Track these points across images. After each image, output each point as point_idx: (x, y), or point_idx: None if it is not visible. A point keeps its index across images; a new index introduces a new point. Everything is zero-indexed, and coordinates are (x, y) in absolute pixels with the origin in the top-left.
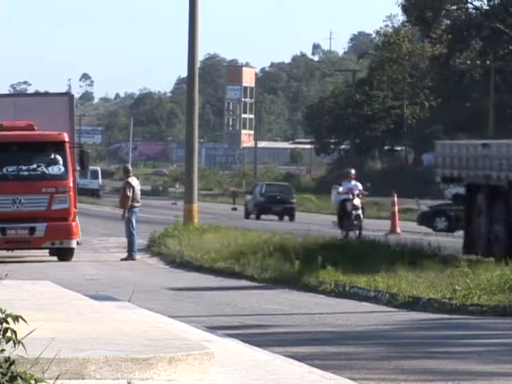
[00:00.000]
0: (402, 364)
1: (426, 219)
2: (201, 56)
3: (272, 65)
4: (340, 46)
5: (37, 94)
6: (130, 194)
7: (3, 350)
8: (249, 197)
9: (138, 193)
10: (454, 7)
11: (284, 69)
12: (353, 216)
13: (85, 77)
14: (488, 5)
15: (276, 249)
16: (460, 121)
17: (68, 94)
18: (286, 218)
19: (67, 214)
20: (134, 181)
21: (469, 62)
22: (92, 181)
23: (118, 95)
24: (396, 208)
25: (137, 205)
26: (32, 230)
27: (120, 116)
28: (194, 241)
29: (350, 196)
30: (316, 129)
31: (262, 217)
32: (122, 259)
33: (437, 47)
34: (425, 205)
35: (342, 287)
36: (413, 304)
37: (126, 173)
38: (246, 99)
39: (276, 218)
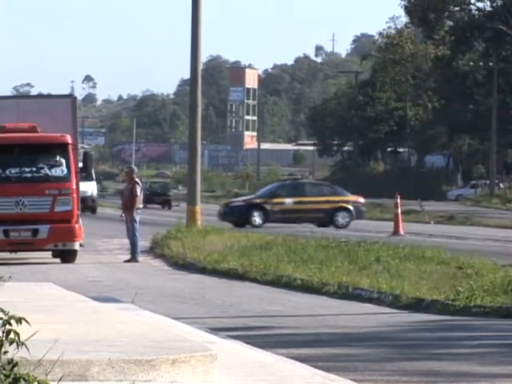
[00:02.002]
0: (404, 365)
1: (241, 213)
2: (203, 58)
3: (275, 66)
4: (343, 48)
5: (40, 95)
6: (139, 194)
7: (6, 352)
8: None
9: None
10: (457, 8)
11: (287, 70)
12: None
13: (88, 79)
14: (491, 6)
15: None
16: (463, 122)
17: (71, 96)
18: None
19: (70, 216)
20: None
21: (472, 63)
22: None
23: (120, 97)
24: (399, 209)
25: (140, 206)
26: (35, 232)
27: (123, 118)
28: (196, 242)
29: None
30: (319, 130)
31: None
32: (125, 261)
33: (440, 49)
34: (428, 206)
35: (345, 288)
36: (416, 305)
37: (133, 174)
38: (249, 101)
39: (159, 206)
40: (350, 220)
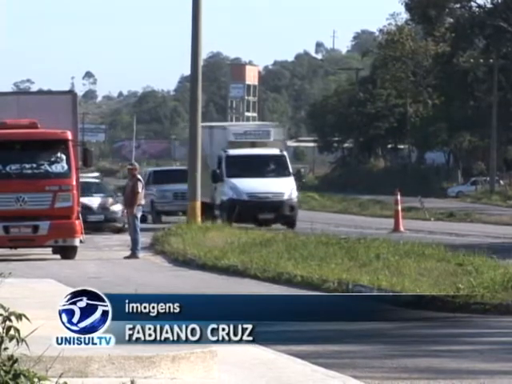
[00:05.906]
0: (405, 362)
1: None
2: (204, 54)
3: (275, 63)
4: (343, 45)
5: (40, 92)
6: (141, 190)
7: (6, 348)
8: None
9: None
10: (458, 5)
11: (287, 67)
12: None
13: (88, 75)
14: (491, 3)
15: None
16: (463, 119)
17: (71, 92)
18: None
19: (70, 212)
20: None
21: (472, 60)
22: None
23: (121, 93)
24: (399, 206)
25: (142, 203)
26: (35, 228)
27: (123, 114)
28: (197, 239)
29: None
30: (319, 127)
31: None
32: (125, 257)
33: (440, 45)
34: (428, 203)
35: (346, 285)
36: (416, 302)
37: (135, 170)
38: (250, 97)
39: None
40: None
